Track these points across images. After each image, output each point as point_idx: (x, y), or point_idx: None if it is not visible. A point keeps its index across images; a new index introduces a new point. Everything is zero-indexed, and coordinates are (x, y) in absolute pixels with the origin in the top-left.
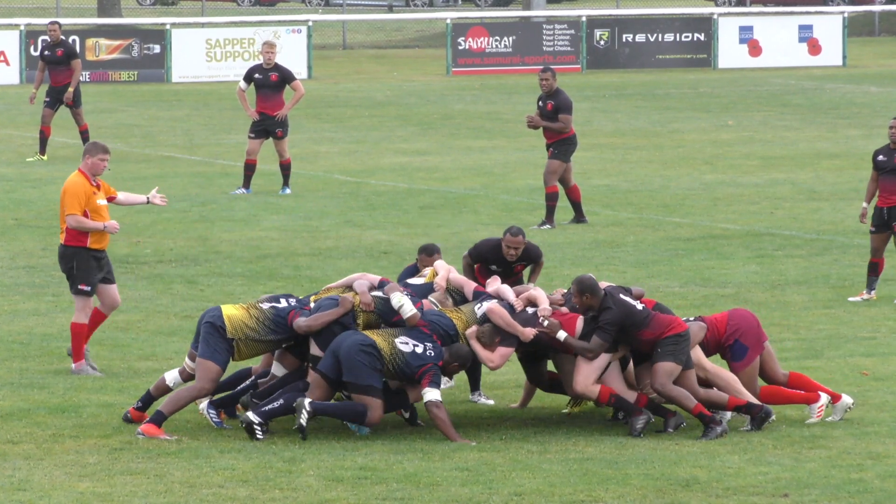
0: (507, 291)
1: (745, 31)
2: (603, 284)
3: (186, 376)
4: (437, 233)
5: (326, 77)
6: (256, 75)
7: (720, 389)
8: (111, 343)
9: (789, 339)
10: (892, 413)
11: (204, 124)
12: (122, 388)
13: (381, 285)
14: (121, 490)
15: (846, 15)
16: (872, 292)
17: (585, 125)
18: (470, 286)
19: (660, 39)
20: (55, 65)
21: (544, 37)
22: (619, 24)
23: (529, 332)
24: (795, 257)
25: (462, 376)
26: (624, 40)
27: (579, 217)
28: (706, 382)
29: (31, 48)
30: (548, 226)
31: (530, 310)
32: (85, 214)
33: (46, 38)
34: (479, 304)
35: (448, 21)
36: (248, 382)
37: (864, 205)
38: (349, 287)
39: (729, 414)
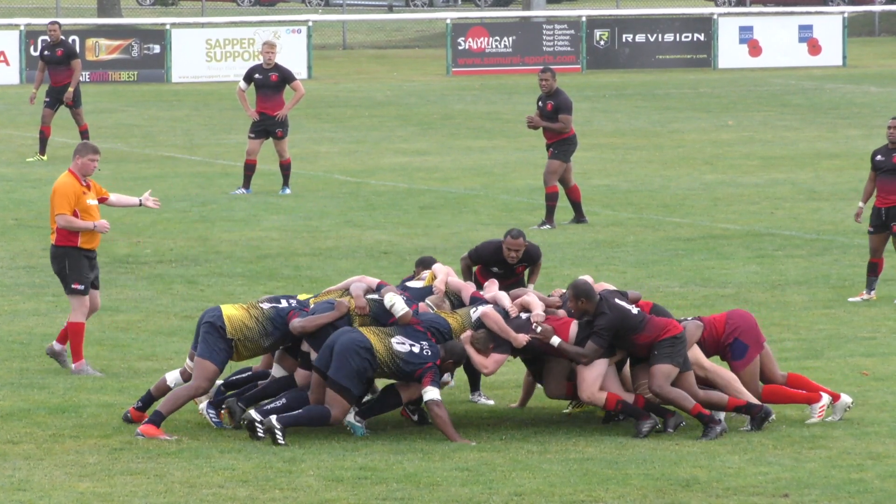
0: (504, 298)
1: (745, 31)
2: (599, 287)
3: (187, 377)
4: (437, 233)
5: (326, 77)
6: (256, 75)
7: (719, 388)
8: (111, 343)
9: (789, 339)
10: (892, 413)
11: (204, 124)
12: (122, 388)
13: (378, 288)
14: (121, 490)
15: (846, 15)
16: (872, 292)
17: (585, 125)
18: (468, 291)
19: (660, 39)
20: (55, 65)
21: (544, 37)
22: (619, 24)
23: (522, 339)
24: (795, 257)
25: (462, 376)
26: (624, 40)
27: (579, 217)
28: (705, 382)
29: (31, 48)
30: (548, 226)
31: (524, 315)
32: (75, 214)
33: (46, 38)
34: (474, 309)
35: (448, 21)
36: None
37: (861, 204)
38: (347, 290)
39: (722, 413)
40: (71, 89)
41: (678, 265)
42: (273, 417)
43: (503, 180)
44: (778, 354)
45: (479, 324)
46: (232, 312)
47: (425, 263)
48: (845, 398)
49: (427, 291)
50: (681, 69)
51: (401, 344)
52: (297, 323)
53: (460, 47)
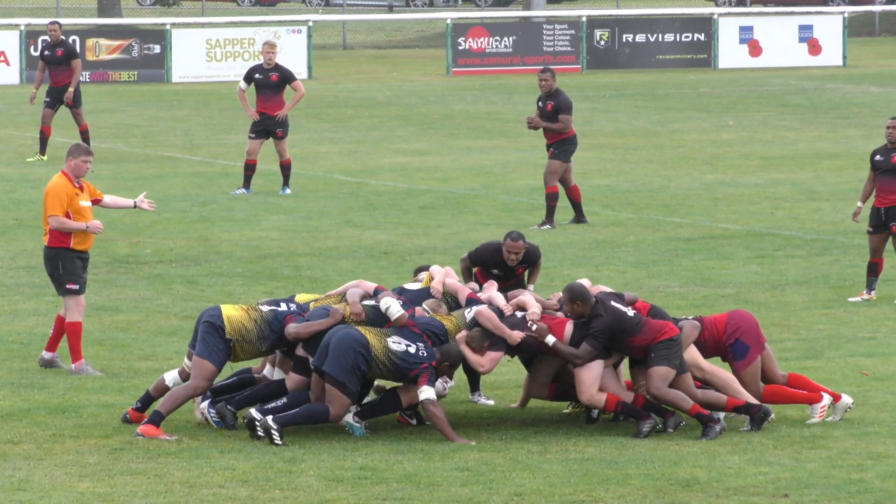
0: (499, 298)
1: (746, 31)
2: (596, 290)
3: (186, 376)
4: (437, 233)
5: (326, 77)
6: (257, 75)
7: (718, 389)
8: (111, 343)
9: (789, 339)
10: (892, 413)
11: (204, 124)
12: (122, 388)
13: (375, 293)
14: (121, 490)
15: (846, 15)
16: (872, 292)
17: (585, 125)
18: (464, 292)
19: (660, 39)
20: (55, 65)
21: (544, 37)
22: (620, 24)
23: (517, 336)
24: (796, 257)
25: (462, 376)
26: (624, 40)
27: (579, 217)
28: (704, 383)
29: (32, 48)
30: (548, 226)
31: (519, 314)
32: (67, 215)
33: (47, 38)
34: (469, 309)
35: (448, 21)
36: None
37: (859, 204)
38: (345, 295)
39: (722, 413)
40: (71, 89)
41: (678, 265)
42: (270, 418)
43: (503, 180)
44: (778, 354)
45: (475, 324)
46: (231, 313)
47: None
48: (846, 399)
49: (425, 293)
50: (681, 69)
51: (397, 343)
52: (291, 329)
53: (460, 47)
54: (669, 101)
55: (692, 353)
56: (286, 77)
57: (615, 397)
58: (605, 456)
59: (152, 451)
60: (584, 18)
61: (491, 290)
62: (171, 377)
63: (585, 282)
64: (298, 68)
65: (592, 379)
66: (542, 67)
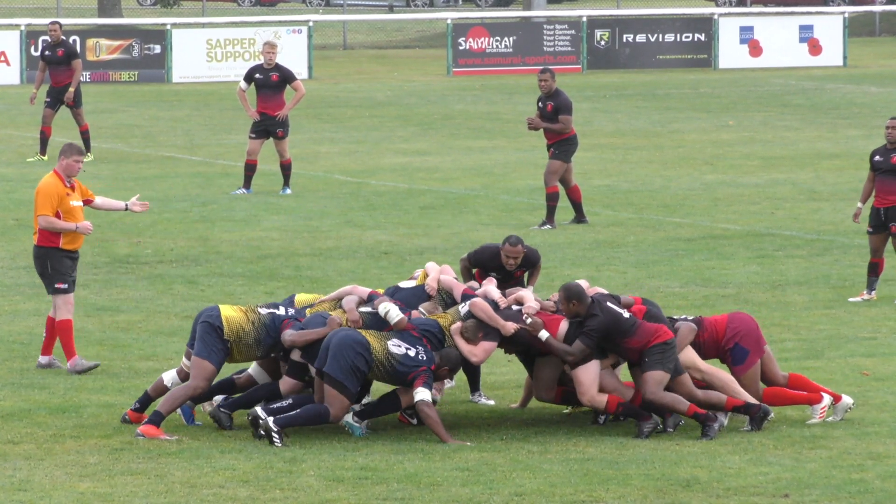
0: (494, 291)
1: (746, 31)
2: (592, 291)
3: (184, 376)
4: (437, 233)
5: (327, 77)
6: (257, 75)
7: (717, 390)
8: (112, 343)
9: (790, 339)
10: (892, 413)
11: (204, 124)
12: (122, 388)
13: (370, 299)
14: (121, 490)
15: (847, 15)
16: (873, 293)
17: (586, 125)
18: (459, 288)
19: (660, 40)
20: (56, 65)
21: (545, 37)
22: (620, 24)
23: (511, 327)
24: (796, 258)
25: (462, 377)
26: (624, 40)
27: (580, 217)
28: (702, 384)
29: (32, 48)
30: (548, 226)
31: (515, 307)
32: (57, 215)
33: (47, 38)
34: (464, 304)
35: (448, 21)
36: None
37: (859, 205)
38: (339, 301)
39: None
40: (72, 89)
41: (678, 265)
42: (271, 419)
43: (503, 180)
44: (778, 355)
45: (469, 317)
46: (230, 314)
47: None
48: (846, 399)
49: (419, 290)
50: (681, 69)
51: (397, 346)
52: (287, 336)
53: (461, 47)
54: (670, 101)
55: (689, 355)
56: (286, 77)
57: (616, 398)
58: (606, 456)
59: (153, 452)
60: (584, 18)
61: (490, 286)
62: (169, 377)
63: (584, 283)
64: (299, 68)
65: (591, 380)
66: (541, 68)
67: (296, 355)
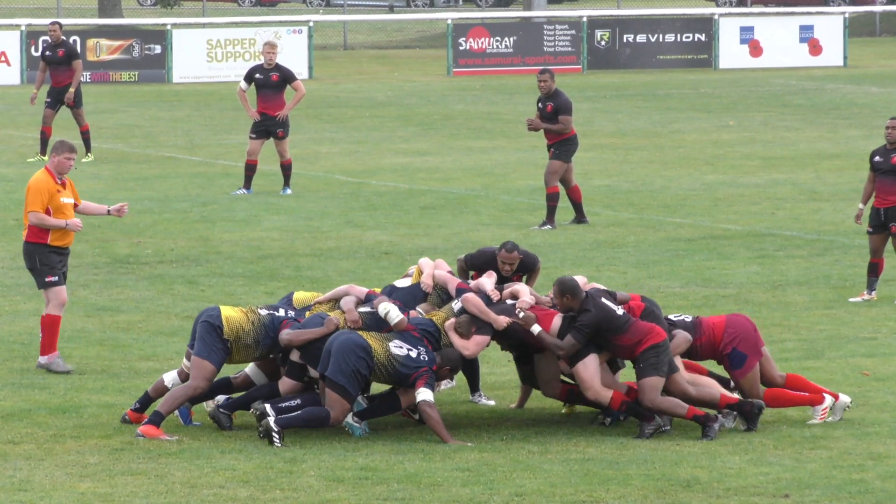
0: (487, 284)
1: (746, 31)
2: (589, 287)
3: (185, 377)
4: (437, 233)
5: (327, 77)
6: (257, 75)
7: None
8: (112, 343)
9: (790, 339)
10: (892, 413)
11: (205, 125)
12: (122, 388)
13: (368, 299)
14: (122, 490)
15: (847, 15)
16: (873, 293)
17: (586, 126)
18: (453, 283)
19: (661, 40)
20: (56, 65)
21: (545, 37)
22: (620, 24)
23: (503, 321)
24: (796, 258)
25: (462, 377)
26: (625, 41)
27: (580, 217)
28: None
29: (32, 48)
30: (548, 226)
31: (510, 301)
32: (48, 212)
33: (47, 38)
34: (457, 301)
35: (449, 21)
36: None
37: (861, 206)
38: (337, 301)
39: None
40: (72, 90)
41: (679, 265)
42: (271, 419)
43: (504, 181)
44: (779, 355)
45: (462, 312)
46: (230, 314)
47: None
48: (844, 398)
49: (415, 288)
50: (682, 69)
51: (398, 348)
52: (284, 335)
53: (461, 48)
54: (670, 101)
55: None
56: (287, 77)
57: (620, 395)
58: (606, 456)
59: (153, 452)
60: (584, 19)
61: (481, 279)
62: (170, 378)
63: (581, 279)
64: (299, 68)
65: (592, 375)
66: (541, 69)
67: (295, 356)
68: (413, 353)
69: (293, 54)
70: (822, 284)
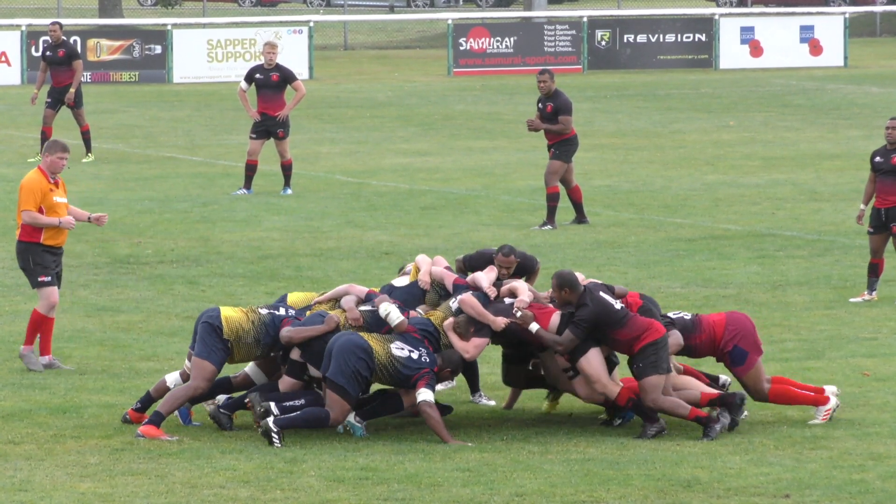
0: (483, 279)
1: (747, 31)
2: (587, 282)
3: (187, 378)
4: (438, 233)
5: (327, 78)
6: (257, 76)
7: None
8: (112, 343)
9: (791, 339)
10: (893, 414)
11: (205, 125)
12: (123, 388)
13: (368, 298)
14: (122, 490)
15: (847, 15)
16: (873, 293)
17: (587, 126)
18: (450, 278)
19: (661, 40)
20: (57, 65)
21: (545, 37)
22: (621, 24)
23: (501, 322)
24: (797, 258)
25: (463, 378)
26: (625, 41)
27: (580, 218)
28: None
29: (33, 49)
30: (549, 226)
31: (508, 300)
32: (41, 211)
33: (48, 38)
34: (454, 301)
35: (449, 22)
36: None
37: (862, 206)
38: (337, 300)
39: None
40: (72, 90)
41: (679, 266)
42: (270, 419)
43: (504, 181)
44: (779, 355)
45: (460, 312)
46: (230, 314)
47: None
48: (829, 388)
49: (413, 286)
50: (682, 70)
51: (400, 349)
52: (285, 333)
53: (461, 48)
54: (670, 101)
55: None
56: (287, 77)
57: (629, 392)
58: (607, 456)
59: (153, 452)
60: (585, 19)
61: (477, 274)
62: (172, 378)
63: (579, 276)
64: (299, 69)
65: (597, 369)
66: (540, 69)
67: (295, 354)
68: (414, 355)
69: (293, 54)
70: (822, 285)
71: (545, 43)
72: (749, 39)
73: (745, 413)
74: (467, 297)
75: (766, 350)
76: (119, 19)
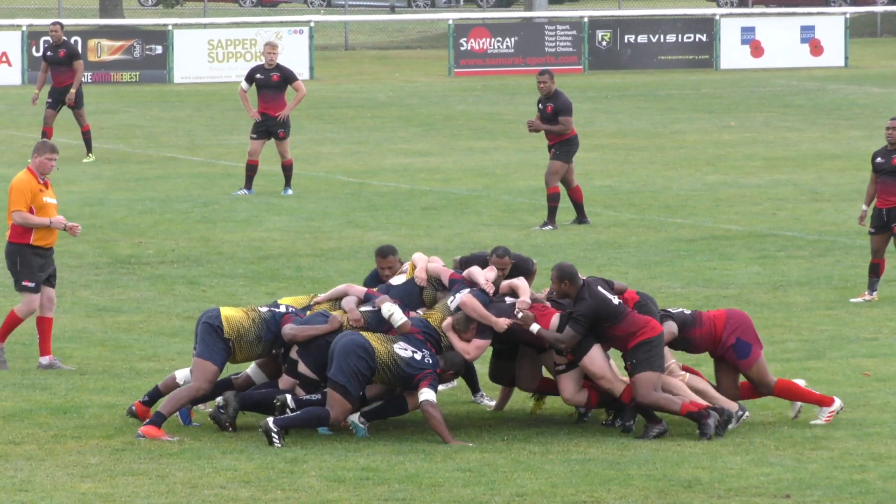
0: (479, 275)
1: (747, 31)
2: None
3: None
4: (438, 234)
5: (328, 78)
6: (258, 76)
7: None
8: (113, 344)
9: (792, 339)
10: (894, 414)
11: (206, 125)
12: (124, 388)
13: (367, 298)
14: (123, 491)
15: (848, 16)
16: (874, 293)
17: (587, 126)
18: (446, 274)
19: (662, 40)
20: (57, 66)
21: (546, 38)
22: (621, 24)
23: (503, 323)
24: (797, 258)
25: (462, 379)
26: (626, 41)
27: (581, 218)
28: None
29: (34, 49)
30: (549, 227)
31: (508, 300)
32: (31, 211)
33: (49, 38)
34: (451, 298)
35: (450, 22)
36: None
37: (864, 207)
38: (337, 300)
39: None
40: (73, 90)
41: (680, 266)
42: (270, 419)
43: (505, 181)
44: (780, 355)
45: (459, 309)
46: (230, 313)
47: (383, 253)
48: (800, 380)
49: (410, 284)
50: (683, 70)
51: (403, 350)
52: (288, 331)
53: (462, 48)
54: (671, 101)
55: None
56: (287, 77)
57: (631, 390)
58: (607, 457)
59: (154, 452)
60: (585, 19)
61: (473, 269)
62: (182, 375)
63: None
64: (300, 69)
65: (602, 366)
66: (540, 70)
67: (295, 353)
68: (417, 356)
69: (294, 55)
70: (823, 285)
71: (546, 43)
72: (750, 40)
73: (747, 414)
74: (468, 298)
75: (767, 350)
76: (120, 19)
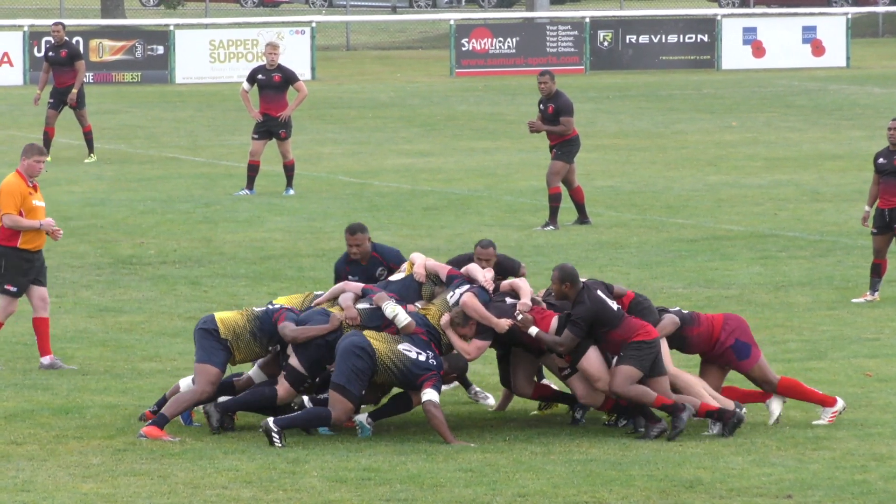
0: (477, 272)
1: (749, 32)
2: (584, 278)
3: None
4: (440, 234)
5: (330, 78)
6: (260, 76)
7: (680, 390)
8: (114, 344)
9: (793, 340)
10: (895, 414)
11: (207, 125)
12: (125, 389)
13: (364, 294)
14: (124, 491)
15: (850, 16)
16: (876, 294)
17: (589, 126)
18: (444, 270)
19: (663, 40)
20: (59, 66)
21: (548, 38)
22: (623, 25)
23: (504, 324)
24: (799, 258)
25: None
26: (627, 41)
27: (583, 218)
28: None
29: (35, 49)
30: (551, 227)
31: (509, 300)
32: (20, 214)
33: (50, 39)
34: (451, 293)
35: (451, 22)
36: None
37: (867, 208)
38: (335, 299)
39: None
40: (75, 90)
41: (682, 266)
42: (270, 420)
43: (506, 181)
44: (781, 356)
45: (456, 304)
46: (224, 315)
47: (352, 230)
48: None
49: (409, 280)
50: (684, 70)
51: (407, 350)
52: (288, 330)
53: (464, 48)
54: (673, 102)
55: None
56: (289, 78)
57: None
58: (609, 457)
59: (156, 452)
60: (587, 19)
61: (471, 266)
62: (185, 384)
63: None
64: (302, 69)
65: (599, 368)
66: (540, 71)
67: (292, 360)
68: (422, 357)
69: (296, 55)
70: (824, 285)
71: (547, 43)
72: (751, 40)
73: (744, 410)
74: (470, 299)
75: (768, 351)
76: (121, 20)
